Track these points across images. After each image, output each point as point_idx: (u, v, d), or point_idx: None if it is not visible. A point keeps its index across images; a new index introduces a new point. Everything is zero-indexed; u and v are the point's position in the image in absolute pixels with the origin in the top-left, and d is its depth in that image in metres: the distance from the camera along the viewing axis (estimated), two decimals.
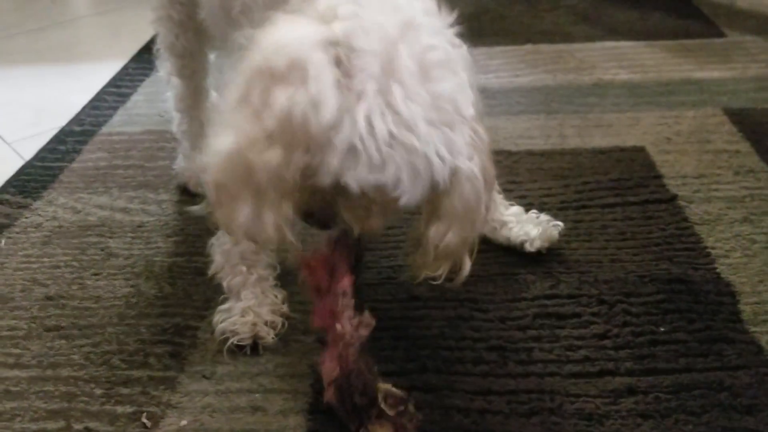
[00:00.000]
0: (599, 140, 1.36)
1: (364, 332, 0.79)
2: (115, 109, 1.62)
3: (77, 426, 0.85)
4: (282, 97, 0.67)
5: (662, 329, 0.93)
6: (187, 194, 1.28)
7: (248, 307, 0.95)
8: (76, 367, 0.94)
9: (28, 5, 2.41)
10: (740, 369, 0.86)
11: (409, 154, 0.68)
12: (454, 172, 0.73)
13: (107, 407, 0.88)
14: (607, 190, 1.20)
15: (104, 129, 1.54)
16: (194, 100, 1.27)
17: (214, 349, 0.95)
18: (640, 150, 1.32)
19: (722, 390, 0.84)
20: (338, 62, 0.67)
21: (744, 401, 0.82)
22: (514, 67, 1.69)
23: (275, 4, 0.78)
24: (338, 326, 0.78)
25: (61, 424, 0.86)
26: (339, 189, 0.71)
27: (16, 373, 0.94)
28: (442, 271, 0.83)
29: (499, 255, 1.07)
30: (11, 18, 2.30)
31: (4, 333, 1.00)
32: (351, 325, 0.78)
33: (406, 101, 0.67)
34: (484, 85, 1.61)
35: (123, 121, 1.56)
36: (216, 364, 0.92)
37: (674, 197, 1.17)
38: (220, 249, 1.01)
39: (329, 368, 0.79)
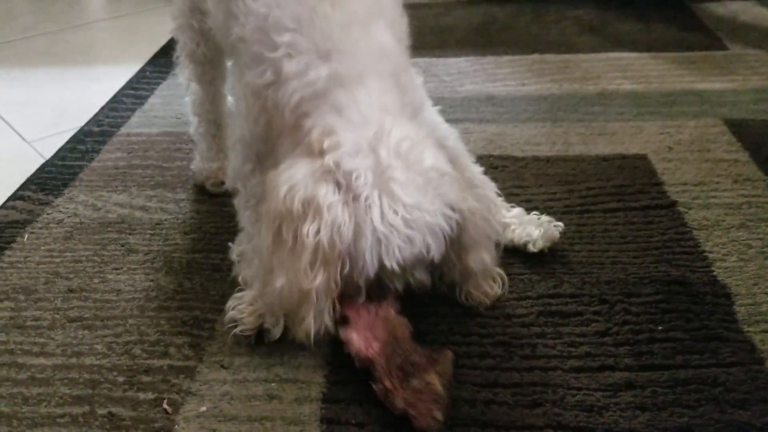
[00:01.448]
0: (603, 148, 1.40)
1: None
2: (133, 110, 1.67)
3: (101, 411, 0.90)
4: (311, 233, 0.84)
5: (660, 328, 0.97)
6: (204, 193, 1.33)
7: (257, 297, 0.99)
8: (99, 356, 0.98)
9: (45, 8, 2.46)
10: (734, 366, 0.90)
11: (425, 225, 0.86)
12: (461, 215, 0.91)
13: (129, 394, 0.92)
14: (609, 196, 1.25)
15: (122, 130, 1.58)
16: (212, 104, 1.32)
17: (231, 340, 0.99)
18: (642, 158, 1.36)
19: (717, 385, 0.88)
20: (339, 186, 0.85)
21: (737, 396, 0.86)
22: (521, 76, 1.73)
23: (262, 43, 0.94)
24: (391, 312, 0.92)
25: (86, 408, 0.90)
26: (382, 270, 0.88)
27: (41, 360, 0.98)
28: (495, 288, 1.02)
29: (504, 256, 1.11)
30: (29, 20, 2.35)
31: (29, 323, 1.04)
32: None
33: (404, 189, 0.85)
34: (491, 93, 1.66)
35: (141, 123, 1.61)
36: (233, 355, 0.97)
37: (674, 203, 1.22)
38: (237, 250, 1.06)
39: (358, 342, 0.89)
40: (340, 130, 0.88)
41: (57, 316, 1.05)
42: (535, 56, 1.84)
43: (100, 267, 1.15)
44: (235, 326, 0.98)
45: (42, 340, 1.01)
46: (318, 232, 0.84)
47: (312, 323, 0.87)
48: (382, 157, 0.86)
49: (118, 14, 2.41)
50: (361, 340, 0.89)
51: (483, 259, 0.98)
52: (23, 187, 1.38)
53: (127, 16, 2.38)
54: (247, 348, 0.98)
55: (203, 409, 0.89)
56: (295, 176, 0.87)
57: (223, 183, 1.32)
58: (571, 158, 1.37)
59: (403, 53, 1.01)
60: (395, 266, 0.87)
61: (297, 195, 0.86)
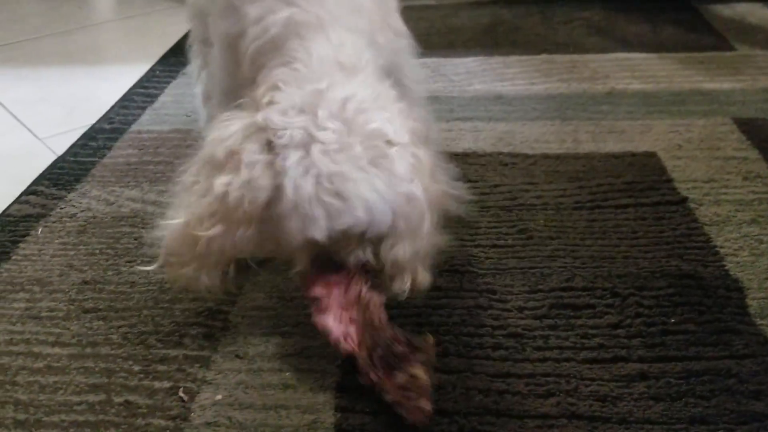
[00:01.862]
0: (612, 145, 1.41)
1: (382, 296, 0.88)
2: (144, 108, 1.67)
3: (118, 399, 0.90)
4: (220, 183, 0.80)
5: (673, 320, 0.97)
6: None
7: None
8: (115, 346, 0.99)
9: (54, 9, 2.47)
10: (747, 358, 0.91)
11: (358, 197, 0.77)
12: (402, 197, 0.81)
13: (146, 382, 0.92)
14: (620, 192, 1.25)
15: (133, 127, 1.59)
16: None
17: (245, 332, 1.00)
18: (652, 155, 1.36)
19: (730, 377, 0.88)
20: (268, 145, 0.80)
21: (750, 387, 0.87)
22: (529, 75, 1.74)
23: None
24: (363, 289, 0.86)
25: (102, 397, 0.91)
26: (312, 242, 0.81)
27: (57, 350, 0.98)
28: (406, 284, 0.88)
29: (516, 250, 1.12)
30: (38, 21, 2.36)
31: (44, 314, 1.05)
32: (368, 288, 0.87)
33: (333, 155, 0.77)
34: (500, 92, 1.66)
35: (152, 120, 1.62)
36: (248, 345, 0.97)
37: (685, 199, 1.22)
38: None
39: (336, 330, 0.85)
40: (284, 85, 0.82)
41: (72, 307, 1.06)
42: (543, 56, 1.85)
43: (114, 260, 1.16)
44: None
45: (57, 330, 1.02)
46: (230, 186, 0.80)
47: (190, 273, 0.86)
48: (318, 118, 0.78)
49: (126, 15, 2.43)
50: (338, 325, 0.85)
51: (401, 252, 0.86)
52: (36, 182, 1.39)
53: (136, 17, 2.39)
54: (262, 338, 0.98)
55: (219, 397, 0.90)
56: (229, 128, 0.83)
57: None
58: (581, 155, 1.38)
59: (384, 14, 0.96)
60: (322, 239, 0.79)
61: (223, 144, 0.81)
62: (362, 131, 0.79)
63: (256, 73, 0.87)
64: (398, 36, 1.01)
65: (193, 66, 1.32)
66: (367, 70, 0.86)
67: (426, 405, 0.81)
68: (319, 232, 0.78)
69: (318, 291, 0.87)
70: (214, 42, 1.02)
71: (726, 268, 1.06)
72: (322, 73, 0.83)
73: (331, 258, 0.85)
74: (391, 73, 0.93)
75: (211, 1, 1.03)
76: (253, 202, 0.80)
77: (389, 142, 0.80)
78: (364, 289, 0.87)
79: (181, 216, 0.85)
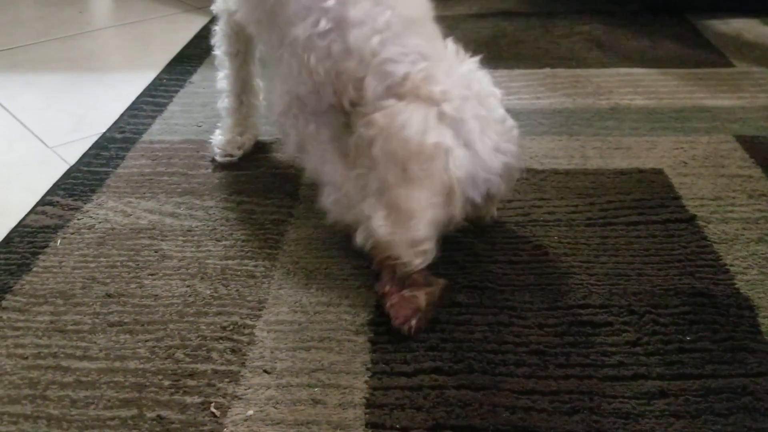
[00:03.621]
0: (619, 162, 1.44)
1: None
2: (153, 118, 1.68)
3: (150, 414, 0.92)
4: (441, 169, 0.99)
5: (689, 338, 1.00)
6: (233, 201, 1.35)
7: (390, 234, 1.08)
8: (143, 360, 1.00)
9: (54, 15, 2.47)
10: (762, 376, 0.94)
11: (505, 164, 1.06)
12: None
13: (176, 397, 0.94)
14: (630, 209, 1.28)
15: (144, 137, 1.60)
16: (243, 82, 1.46)
17: (271, 346, 1.01)
18: (659, 172, 1.40)
19: (746, 394, 0.91)
20: (453, 131, 1.01)
21: (766, 405, 0.90)
22: (534, 89, 1.77)
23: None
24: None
25: (134, 411, 0.92)
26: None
27: (85, 364, 1.00)
28: (492, 212, 1.21)
29: (533, 267, 1.15)
30: (40, 25, 2.36)
31: (70, 327, 1.06)
32: None
33: (501, 136, 1.05)
34: (506, 106, 1.66)
35: (162, 130, 1.63)
36: (275, 360, 0.99)
37: (693, 217, 1.25)
38: (329, 200, 1.15)
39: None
40: (441, 79, 1.03)
41: (97, 321, 1.07)
42: (547, 70, 1.88)
43: (136, 272, 1.17)
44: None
45: (84, 344, 1.03)
46: (450, 169, 0.99)
47: (430, 250, 1.01)
48: (477, 107, 1.03)
49: (126, 21, 2.43)
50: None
51: (503, 189, 1.13)
52: (51, 192, 1.40)
53: (136, 24, 2.39)
54: (288, 353, 1.00)
55: (250, 413, 0.91)
56: (415, 119, 1.00)
57: (230, 155, 1.48)
58: (589, 171, 1.41)
59: None
60: (478, 198, 1.06)
61: (428, 137, 0.99)
62: (496, 115, 1.07)
63: (385, 64, 1.04)
64: None
65: (219, 52, 1.44)
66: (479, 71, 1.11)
67: (412, 321, 1.00)
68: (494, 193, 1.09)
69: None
70: (281, 51, 1.12)
71: (736, 286, 1.10)
72: (453, 67, 1.07)
73: None
74: None
75: (270, 16, 1.14)
76: (463, 179, 1.01)
77: (509, 121, 1.10)
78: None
79: (415, 210, 0.99)
